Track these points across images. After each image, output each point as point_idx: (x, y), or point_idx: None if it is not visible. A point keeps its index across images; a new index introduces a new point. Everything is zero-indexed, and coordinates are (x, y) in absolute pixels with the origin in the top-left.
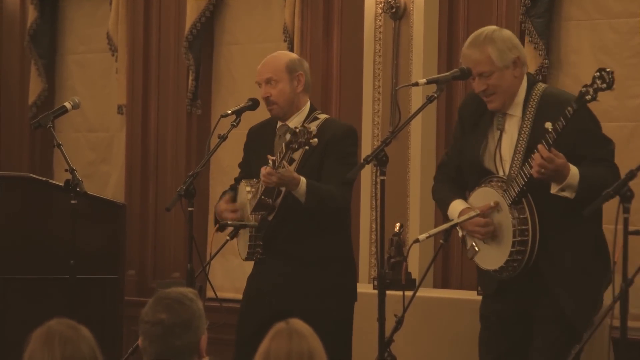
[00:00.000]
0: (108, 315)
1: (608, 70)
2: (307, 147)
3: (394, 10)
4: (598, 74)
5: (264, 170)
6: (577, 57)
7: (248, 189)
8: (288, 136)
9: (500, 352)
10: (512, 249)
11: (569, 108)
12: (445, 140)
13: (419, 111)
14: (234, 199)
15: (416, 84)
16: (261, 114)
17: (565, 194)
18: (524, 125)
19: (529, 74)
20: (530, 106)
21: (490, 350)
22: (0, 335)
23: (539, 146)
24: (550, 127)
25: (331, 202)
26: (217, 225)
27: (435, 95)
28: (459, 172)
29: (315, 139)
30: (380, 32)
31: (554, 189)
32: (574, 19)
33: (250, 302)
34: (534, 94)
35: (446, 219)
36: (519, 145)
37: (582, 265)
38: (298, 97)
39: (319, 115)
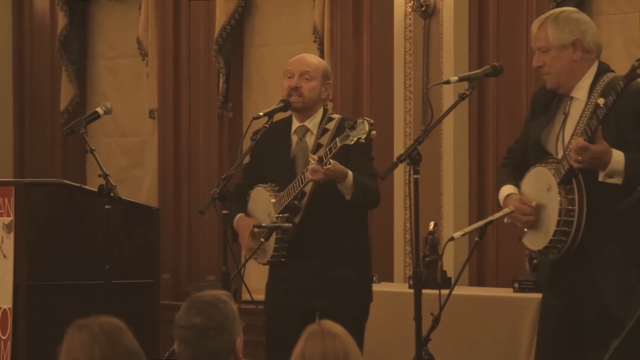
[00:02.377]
0: (144, 319)
1: None
2: (363, 141)
3: (423, 8)
4: None
5: (311, 166)
6: (608, 52)
7: (269, 193)
8: (345, 131)
9: (558, 350)
10: (557, 228)
11: (620, 82)
12: (478, 137)
13: (451, 109)
14: (245, 209)
15: (448, 82)
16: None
17: (613, 180)
18: (586, 109)
19: (602, 63)
20: (595, 91)
21: (548, 349)
22: (38, 341)
23: (572, 142)
24: (602, 103)
25: (372, 194)
26: (251, 229)
27: (467, 92)
28: (524, 156)
29: (374, 132)
30: (410, 31)
31: (600, 176)
32: (604, 13)
33: (278, 306)
34: (602, 80)
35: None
36: (578, 127)
37: (631, 256)
38: (319, 102)
39: (333, 115)
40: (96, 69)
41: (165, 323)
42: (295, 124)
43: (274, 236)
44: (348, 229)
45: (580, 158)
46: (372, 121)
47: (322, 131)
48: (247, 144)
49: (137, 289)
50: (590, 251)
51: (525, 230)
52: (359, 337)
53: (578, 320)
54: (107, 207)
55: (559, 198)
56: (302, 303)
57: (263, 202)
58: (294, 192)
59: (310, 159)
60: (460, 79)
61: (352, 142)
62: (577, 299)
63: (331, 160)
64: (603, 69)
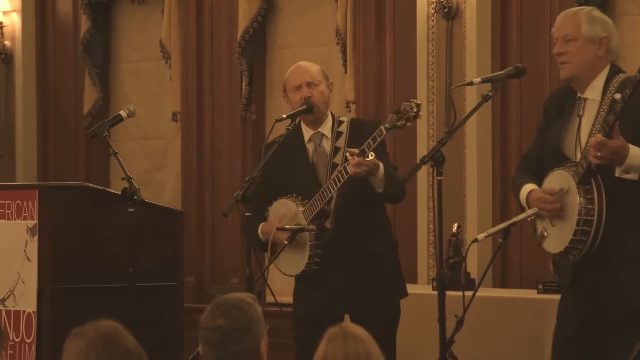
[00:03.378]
0: (168, 322)
1: None
2: (409, 124)
3: (446, 10)
4: None
5: (354, 160)
6: (631, 52)
7: (294, 203)
8: (391, 116)
9: (576, 353)
10: (577, 228)
11: (637, 74)
12: (501, 138)
13: (475, 110)
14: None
15: (471, 83)
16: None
17: (630, 176)
18: (601, 110)
19: (614, 64)
20: (609, 92)
21: (565, 352)
22: (62, 345)
23: (591, 139)
24: (619, 97)
25: (401, 186)
26: (274, 231)
27: (491, 94)
28: (539, 163)
29: (421, 113)
30: (433, 32)
31: (617, 172)
32: (627, 14)
33: (314, 311)
34: (614, 80)
35: (521, 206)
36: (594, 128)
37: None
38: (328, 104)
39: (342, 118)
40: (119, 72)
41: (189, 326)
42: (308, 132)
43: (307, 247)
44: (378, 228)
45: (599, 154)
46: (419, 102)
47: (337, 135)
48: (269, 148)
49: (161, 292)
50: (611, 249)
51: (545, 234)
52: (393, 336)
53: (600, 323)
54: (130, 210)
55: (578, 198)
56: (340, 308)
57: (289, 210)
58: (326, 196)
59: (348, 155)
60: (483, 81)
61: (402, 125)
62: (600, 301)
63: (372, 153)
64: (615, 71)
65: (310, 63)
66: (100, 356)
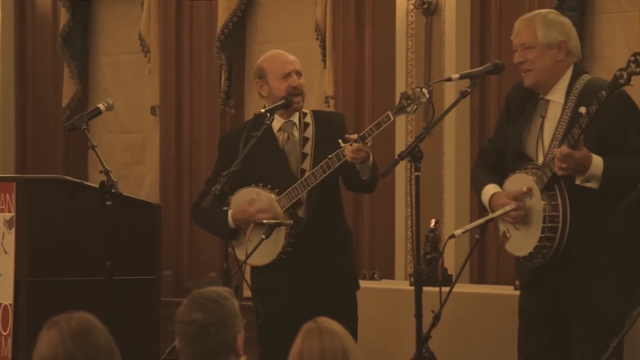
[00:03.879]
0: (145, 316)
1: None
2: (419, 109)
3: (425, 6)
4: (633, 57)
5: (354, 146)
6: (611, 50)
7: (266, 192)
8: (401, 103)
9: (538, 348)
10: (542, 235)
11: (602, 92)
12: (479, 135)
13: (453, 106)
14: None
15: (449, 80)
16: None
17: (590, 184)
18: (565, 113)
19: (577, 65)
20: (572, 94)
21: (528, 347)
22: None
23: (556, 150)
24: (584, 112)
25: (377, 176)
26: (251, 226)
27: (469, 90)
28: (499, 157)
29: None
30: (412, 29)
31: (578, 180)
32: (607, 11)
33: (287, 302)
34: (578, 82)
35: (481, 204)
36: (558, 132)
37: (617, 256)
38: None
39: (305, 110)
40: (98, 65)
41: (166, 320)
42: (279, 121)
43: (282, 237)
44: (341, 218)
45: (564, 165)
46: (430, 88)
47: (304, 125)
48: (247, 140)
49: (138, 286)
50: (576, 254)
51: (508, 236)
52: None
53: (562, 318)
54: (108, 203)
55: (542, 204)
56: (309, 296)
57: (262, 202)
58: (310, 184)
59: (341, 141)
60: (462, 77)
61: (413, 111)
62: (562, 298)
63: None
64: (578, 71)
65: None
66: (68, 350)
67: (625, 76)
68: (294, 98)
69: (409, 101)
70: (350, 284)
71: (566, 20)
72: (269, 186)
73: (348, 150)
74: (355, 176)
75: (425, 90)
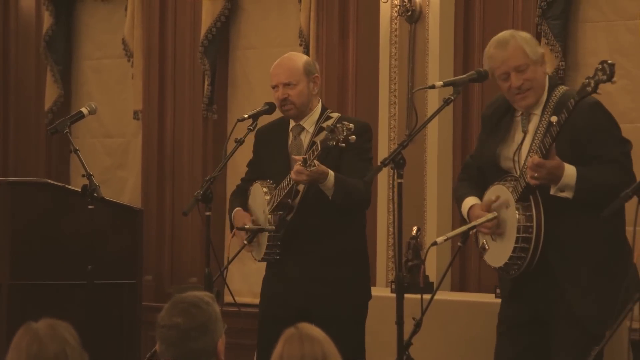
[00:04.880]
0: (126, 320)
1: (610, 62)
2: (343, 145)
3: (409, 13)
4: (600, 65)
5: (295, 167)
6: (594, 59)
7: (265, 189)
8: (324, 134)
9: (511, 357)
10: (516, 245)
11: (571, 100)
12: (462, 142)
13: (436, 114)
14: (245, 204)
15: (433, 87)
16: (273, 116)
17: (564, 194)
18: (541, 124)
19: (550, 76)
20: (548, 107)
21: (501, 357)
22: None
23: (528, 160)
24: (554, 121)
25: (357, 195)
26: (234, 231)
27: (452, 97)
28: (480, 172)
29: (354, 136)
30: (396, 36)
31: (552, 190)
32: (590, 20)
33: (270, 304)
34: (554, 95)
35: (463, 217)
36: (534, 144)
37: (596, 265)
38: (312, 99)
39: (332, 114)
40: (81, 70)
41: (147, 324)
42: (292, 122)
43: (266, 234)
44: (344, 228)
45: (536, 175)
46: (351, 126)
47: (318, 130)
48: (231, 146)
49: (120, 290)
50: (554, 264)
51: (486, 248)
52: (357, 337)
53: (541, 327)
54: (90, 207)
55: (517, 215)
56: (297, 302)
57: (259, 199)
58: (285, 190)
59: (295, 159)
60: (445, 84)
61: (332, 145)
62: (541, 308)
63: (315, 162)
64: (554, 83)
65: (295, 58)
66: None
67: (592, 84)
68: (282, 107)
69: (332, 135)
70: (345, 295)
71: (528, 34)
72: (274, 185)
73: (293, 170)
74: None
75: (346, 128)
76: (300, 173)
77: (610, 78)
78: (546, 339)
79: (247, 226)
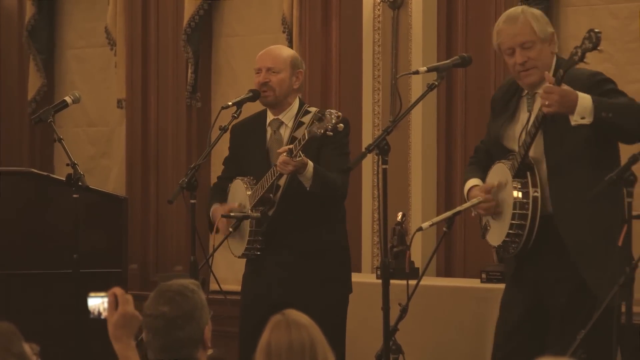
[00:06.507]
0: None
1: (597, 30)
2: (331, 133)
3: None
4: (587, 34)
5: (281, 158)
6: (576, 43)
7: (245, 185)
8: (304, 127)
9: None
10: (513, 222)
11: (560, 70)
12: (446, 127)
13: (420, 99)
14: (224, 202)
15: (417, 72)
16: (262, 105)
17: (585, 121)
18: (540, 110)
19: (558, 55)
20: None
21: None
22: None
23: (539, 90)
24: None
25: (334, 188)
26: (215, 226)
27: (436, 83)
28: (489, 156)
29: (342, 124)
30: (379, 22)
31: (572, 120)
32: (572, 5)
33: (252, 297)
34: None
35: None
36: (536, 121)
37: (600, 232)
38: (292, 93)
39: (310, 109)
40: (64, 59)
41: None
42: (270, 116)
43: (247, 229)
44: (324, 221)
45: (547, 102)
46: (339, 114)
47: (297, 124)
48: (215, 134)
49: (105, 279)
50: (567, 240)
51: (488, 228)
52: (338, 329)
53: (541, 311)
54: (75, 196)
55: (514, 192)
56: (277, 295)
57: (240, 195)
58: (267, 184)
59: (281, 150)
60: (429, 70)
61: (320, 133)
62: (541, 290)
63: (300, 153)
64: (560, 63)
65: (284, 49)
66: None
67: (579, 53)
68: (263, 93)
69: (319, 122)
70: (325, 288)
71: (541, 12)
72: (254, 181)
73: (278, 161)
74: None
75: (334, 116)
76: (287, 164)
77: (596, 46)
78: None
79: (232, 214)
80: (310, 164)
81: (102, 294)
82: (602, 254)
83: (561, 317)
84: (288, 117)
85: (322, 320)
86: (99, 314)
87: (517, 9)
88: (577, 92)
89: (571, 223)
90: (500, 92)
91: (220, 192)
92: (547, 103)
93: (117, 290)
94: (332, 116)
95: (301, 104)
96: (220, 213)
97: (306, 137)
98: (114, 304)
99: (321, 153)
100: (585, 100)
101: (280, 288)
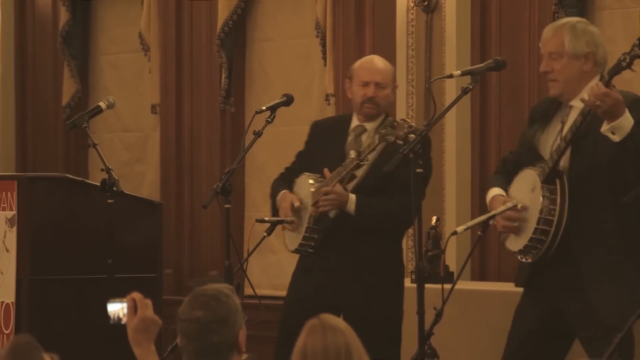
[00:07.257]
0: None
1: None
2: (401, 142)
3: (425, 3)
4: (638, 42)
5: (321, 191)
6: (611, 47)
7: (311, 181)
8: (385, 128)
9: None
10: (537, 226)
11: (605, 75)
12: (480, 131)
13: (454, 103)
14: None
15: (451, 76)
16: (296, 109)
17: (615, 136)
18: (579, 116)
19: (602, 76)
20: None
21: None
22: (40, 335)
23: (593, 87)
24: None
25: (387, 221)
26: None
27: (470, 86)
28: (516, 167)
29: (413, 135)
30: (412, 26)
31: (604, 127)
32: (607, 8)
33: (299, 298)
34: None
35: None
36: (573, 126)
37: (618, 260)
38: (388, 107)
39: (391, 119)
40: (98, 64)
41: (168, 318)
42: (355, 122)
43: (305, 225)
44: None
45: (599, 102)
46: (413, 124)
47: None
48: (249, 138)
49: (140, 283)
50: (577, 254)
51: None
52: (392, 342)
53: (556, 321)
54: (109, 201)
55: (541, 197)
56: (327, 300)
57: (303, 191)
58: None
59: (351, 154)
60: (463, 73)
61: (392, 140)
62: (557, 298)
63: (337, 184)
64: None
65: (385, 62)
66: None
67: (627, 59)
68: (364, 105)
69: (392, 129)
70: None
71: (595, 30)
72: (321, 178)
73: (319, 195)
74: None
75: (406, 126)
76: (327, 194)
77: None
78: (564, 335)
79: (266, 218)
80: (352, 197)
81: (122, 299)
82: (615, 282)
83: (579, 325)
84: (373, 126)
85: (375, 327)
86: (119, 319)
87: (563, 20)
88: (627, 111)
89: (587, 244)
90: (542, 104)
91: (288, 182)
92: (598, 103)
93: (136, 295)
94: (405, 125)
95: (386, 115)
96: (289, 201)
97: (376, 142)
98: (134, 308)
99: (399, 173)
100: (627, 121)
101: (332, 292)
